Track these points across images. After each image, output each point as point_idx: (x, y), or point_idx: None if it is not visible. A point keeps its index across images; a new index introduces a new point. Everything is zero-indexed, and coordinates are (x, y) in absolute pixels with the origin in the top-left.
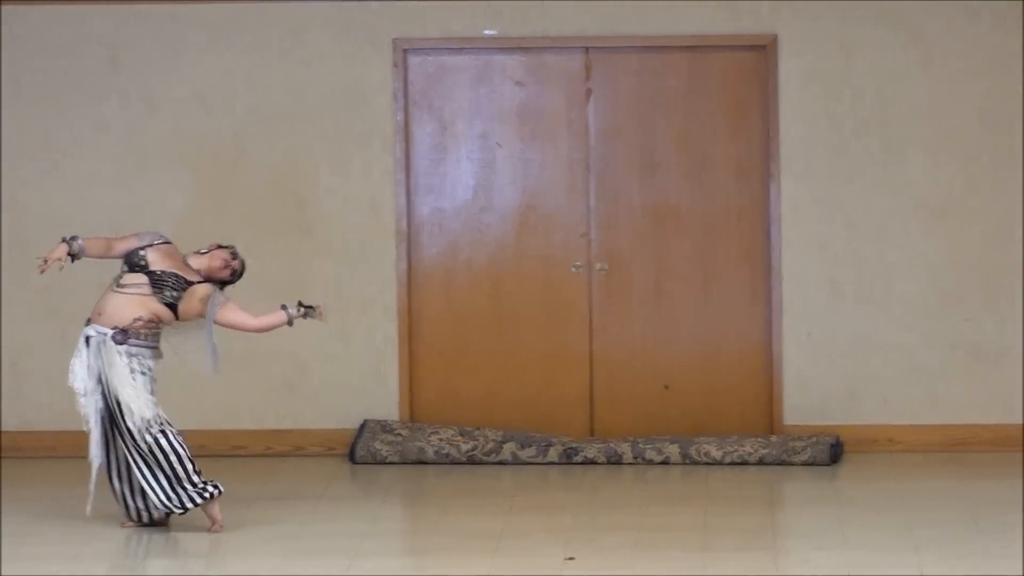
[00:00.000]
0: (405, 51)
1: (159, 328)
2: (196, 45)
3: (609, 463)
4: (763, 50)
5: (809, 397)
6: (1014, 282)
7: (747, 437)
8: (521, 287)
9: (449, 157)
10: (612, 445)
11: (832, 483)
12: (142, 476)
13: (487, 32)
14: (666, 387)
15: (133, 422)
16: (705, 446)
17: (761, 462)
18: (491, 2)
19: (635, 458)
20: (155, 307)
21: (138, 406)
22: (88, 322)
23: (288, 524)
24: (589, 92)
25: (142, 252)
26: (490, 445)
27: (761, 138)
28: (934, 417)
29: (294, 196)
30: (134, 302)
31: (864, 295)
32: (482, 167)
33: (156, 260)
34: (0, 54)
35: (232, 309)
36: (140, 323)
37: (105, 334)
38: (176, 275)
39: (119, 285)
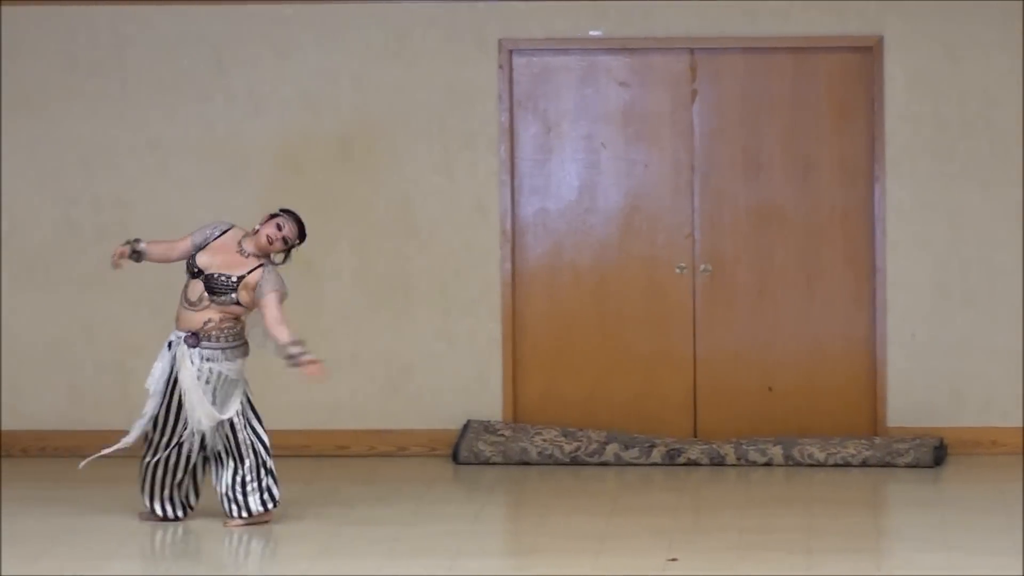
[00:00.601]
0: (510, 52)
1: (238, 325)
2: (302, 45)
3: (712, 464)
4: (869, 51)
5: (913, 399)
6: None
7: (850, 439)
8: (625, 288)
9: (554, 158)
10: (715, 446)
11: (935, 485)
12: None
13: (592, 33)
14: (769, 388)
15: (193, 426)
16: (808, 448)
17: (864, 464)
18: (597, 2)
19: (738, 459)
20: (224, 307)
21: (198, 415)
22: (193, 341)
23: (391, 524)
24: (694, 93)
25: (192, 260)
26: (593, 446)
27: (866, 139)
28: None
29: (399, 196)
30: (212, 311)
31: (968, 296)
32: (586, 168)
33: (209, 261)
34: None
35: (269, 302)
36: (212, 324)
37: (181, 337)
38: (225, 276)
39: (185, 297)
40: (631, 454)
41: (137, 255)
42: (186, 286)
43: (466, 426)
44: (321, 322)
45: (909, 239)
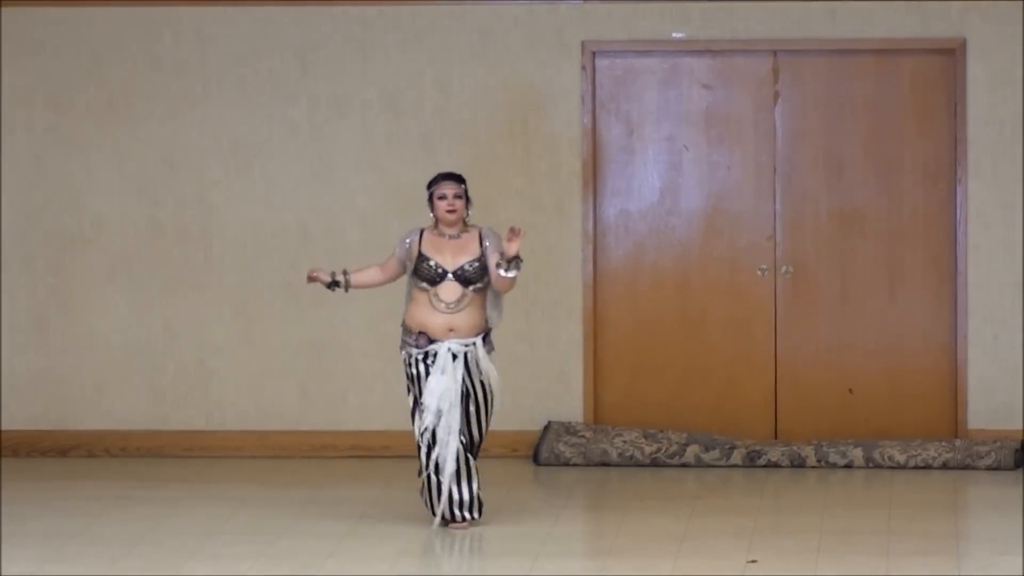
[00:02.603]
0: (593, 53)
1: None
2: (385, 47)
3: (792, 466)
4: (952, 54)
5: (994, 401)
6: None
7: (931, 441)
8: (706, 290)
9: (636, 160)
10: (796, 448)
11: (1016, 488)
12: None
13: (675, 35)
14: (850, 391)
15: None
16: (889, 450)
17: (945, 466)
18: (679, 4)
19: (818, 461)
20: (480, 292)
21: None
22: (424, 342)
23: (472, 524)
24: (777, 95)
25: (432, 263)
26: (673, 448)
27: (948, 142)
28: None
29: (481, 198)
30: (474, 306)
31: None
32: (668, 170)
33: (444, 260)
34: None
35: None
36: (481, 319)
37: (473, 344)
38: (470, 262)
39: (447, 304)
40: (711, 456)
41: (337, 286)
42: (434, 293)
43: (547, 427)
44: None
45: (990, 241)
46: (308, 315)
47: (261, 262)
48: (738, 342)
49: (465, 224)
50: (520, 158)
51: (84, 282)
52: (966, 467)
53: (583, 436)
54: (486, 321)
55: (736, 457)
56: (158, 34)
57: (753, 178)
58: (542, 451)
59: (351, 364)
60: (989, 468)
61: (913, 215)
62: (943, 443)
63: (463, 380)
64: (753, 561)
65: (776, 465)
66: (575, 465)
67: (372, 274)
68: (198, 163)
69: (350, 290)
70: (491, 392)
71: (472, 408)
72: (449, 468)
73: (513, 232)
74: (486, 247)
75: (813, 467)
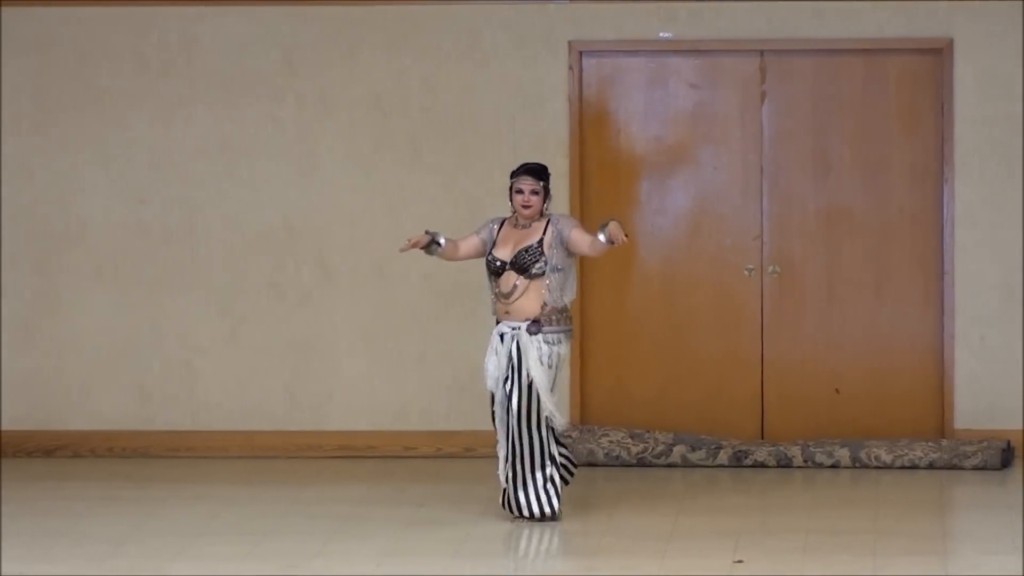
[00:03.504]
0: (580, 53)
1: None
2: (372, 46)
3: (779, 466)
4: (939, 53)
5: (980, 401)
6: None
7: (917, 441)
8: (693, 289)
9: (622, 159)
10: (782, 448)
11: (1003, 488)
12: (528, 468)
13: (662, 35)
14: (837, 390)
15: (543, 411)
16: (875, 450)
17: (931, 466)
18: (666, 4)
19: (805, 461)
20: (540, 280)
21: (545, 399)
22: (496, 322)
23: (458, 525)
24: (763, 95)
25: (493, 258)
26: (660, 447)
27: (935, 141)
28: None
29: (468, 198)
30: (529, 292)
31: None
32: (655, 169)
33: (503, 251)
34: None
35: (577, 235)
36: (549, 307)
37: (519, 327)
38: (525, 248)
39: (504, 295)
40: (698, 456)
41: (435, 246)
42: (497, 285)
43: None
44: (389, 323)
45: (977, 241)
46: (294, 315)
47: (247, 262)
48: (725, 342)
49: (541, 215)
50: (507, 158)
51: (70, 282)
52: (952, 467)
53: (569, 436)
54: (542, 308)
55: (722, 457)
56: (145, 34)
57: (740, 178)
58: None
59: (337, 364)
60: (976, 468)
61: (900, 215)
62: (930, 443)
63: (507, 364)
64: (739, 561)
65: (763, 465)
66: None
67: (455, 246)
68: (185, 163)
69: (436, 256)
70: (529, 377)
71: (515, 395)
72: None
73: (615, 223)
74: (557, 232)
75: (800, 467)
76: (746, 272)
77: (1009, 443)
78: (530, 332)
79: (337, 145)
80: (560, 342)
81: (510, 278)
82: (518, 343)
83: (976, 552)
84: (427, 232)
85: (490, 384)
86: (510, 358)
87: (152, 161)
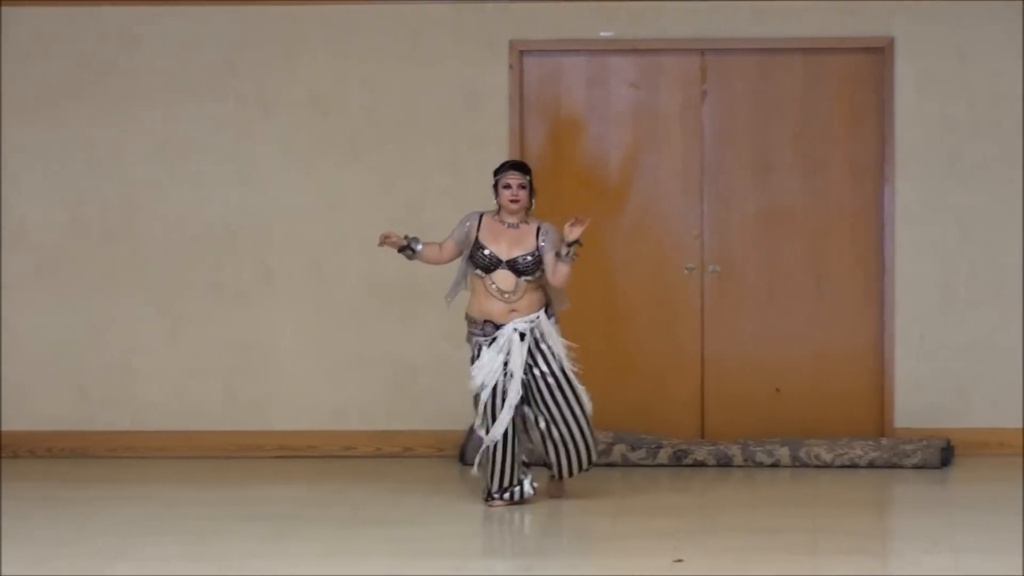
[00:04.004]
0: (521, 53)
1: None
2: (312, 46)
3: (719, 465)
4: (879, 52)
5: (920, 400)
6: None
7: (857, 440)
8: (633, 288)
9: (563, 158)
10: (722, 447)
11: (942, 486)
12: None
13: (603, 34)
14: (777, 390)
15: (578, 388)
16: (815, 449)
17: (871, 465)
18: (607, 4)
19: (745, 460)
20: (536, 280)
21: (574, 376)
22: (491, 330)
23: (397, 525)
24: (704, 94)
25: (487, 251)
26: (600, 447)
27: (876, 141)
28: None
29: (408, 197)
30: (531, 288)
31: (976, 298)
32: (595, 168)
33: (500, 248)
34: (77, 55)
35: (552, 259)
36: (549, 297)
37: (535, 318)
38: (524, 256)
39: (506, 293)
40: (638, 455)
41: (409, 251)
42: (490, 280)
43: (472, 427)
44: (329, 323)
45: (918, 240)
46: (234, 315)
47: (187, 262)
48: (665, 341)
49: (527, 215)
50: (448, 157)
51: (9, 282)
52: (892, 466)
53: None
54: (547, 297)
55: (662, 456)
56: (83, 34)
57: (680, 177)
58: (468, 451)
59: (277, 364)
60: (915, 467)
61: (840, 214)
62: (869, 442)
63: (528, 358)
64: (679, 560)
65: (703, 464)
66: None
67: (433, 251)
68: (124, 163)
69: (414, 260)
70: (560, 360)
71: (543, 385)
72: (498, 440)
73: (578, 220)
74: (542, 245)
75: (740, 466)
76: (686, 271)
77: (949, 442)
78: (549, 316)
79: (277, 145)
80: (556, 324)
81: (509, 277)
82: (536, 335)
83: (915, 551)
84: (405, 237)
85: (476, 374)
86: (531, 351)
87: (92, 161)
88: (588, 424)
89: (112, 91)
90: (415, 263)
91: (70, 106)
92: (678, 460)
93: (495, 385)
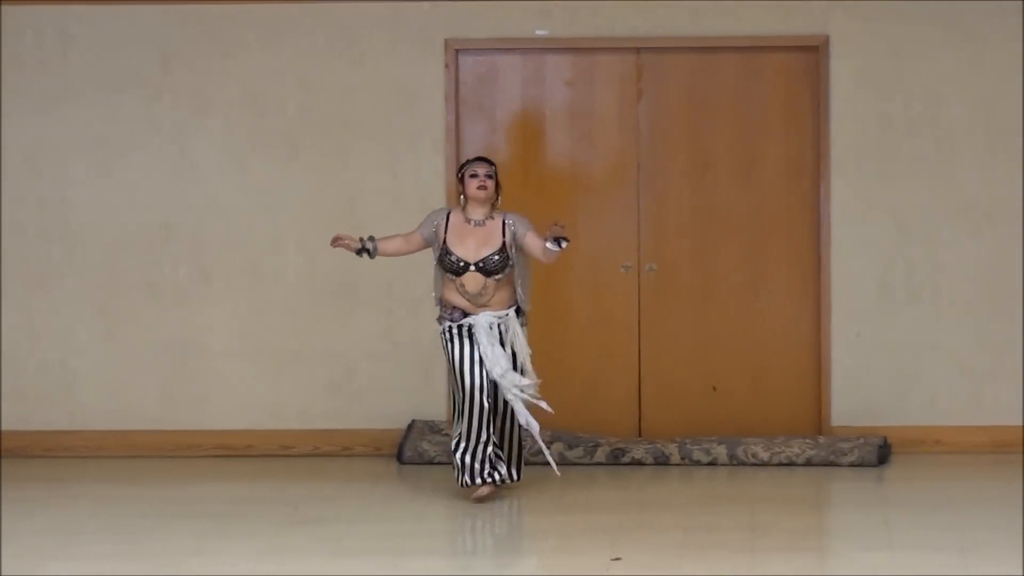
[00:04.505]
0: (456, 51)
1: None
2: (248, 45)
3: (656, 464)
4: (815, 51)
5: (857, 398)
6: None
7: (794, 438)
8: (570, 287)
9: (499, 157)
10: (659, 446)
11: (879, 484)
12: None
13: (538, 32)
14: (714, 388)
15: (526, 384)
16: (752, 447)
17: (808, 463)
18: (542, 2)
19: (682, 459)
20: (506, 276)
21: (532, 374)
22: (459, 316)
23: (336, 524)
24: (640, 93)
25: (452, 257)
26: (538, 446)
27: (812, 139)
28: (981, 418)
29: (345, 196)
30: (501, 287)
31: (913, 296)
32: (530, 167)
33: (467, 251)
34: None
35: (531, 239)
36: (519, 294)
37: (504, 314)
38: (492, 255)
39: (473, 295)
40: (575, 453)
41: (364, 253)
42: (459, 283)
43: (410, 426)
44: (266, 321)
45: (854, 238)
46: (171, 315)
47: (123, 261)
48: (601, 339)
49: (492, 209)
50: (383, 156)
51: None
52: (829, 464)
53: (447, 434)
54: (517, 295)
55: (600, 455)
56: (20, 33)
57: (616, 175)
58: (406, 449)
59: (213, 364)
60: (852, 465)
61: (776, 212)
62: (806, 440)
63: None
64: (617, 559)
65: (640, 463)
66: (439, 463)
67: (398, 244)
68: (60, 162)
69: (376, 257)
70: (521, 364)
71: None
72: (476, 427)
73: (557, 224)
74: (512, 233)
75: (677, 464)
76: (623, 269)
77: (885, 439)
78: (518, 314)
79: (213, 144)
80: (525, 324)
81: (477, 279)
82: (502, 330)
83: (852, 548)
84: (360, 239)
85: (493, 367)
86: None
87: (27, 161)
88: (519, 437)
89: (47, 90)
90: (364, 260)
91: (6, 104)
92: (615, 459)
93: (473, 379)
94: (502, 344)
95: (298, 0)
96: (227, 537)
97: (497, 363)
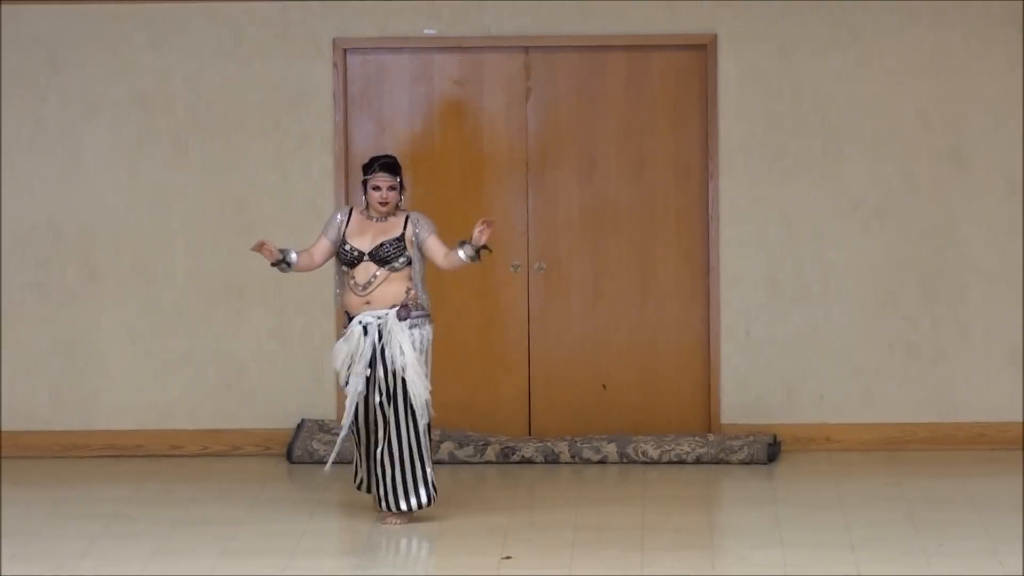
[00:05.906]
0: (345, 51)
1: (423, 291)
2: (136, 45)
3: (546, 462)
4: (703, 49)
5: (747, 396)
6: (951, 281)
7: (685, 436)
8: (459, 285)
9: None
10: (549, 444)
11: (769, 482)
12: (387, 463)
13: (426, 32)
14: (604, 386)
15: (415, 401)
16: (643, 445)
17: (698, 461)
18: (430, 2)
19: (572, 457)
20: (398, 272)
21: (419, 387)
22: (348, 316)
23: (225, 524)
24: (529, 91)
25: (349, 249)
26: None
27: (700, 137)
28: (871, 416)
29: (233, 196)
30: (389, 282)
31: (802, 294)
32: (416, 166)
33: (363, 241)
34: None
35: (433, 243)
36: (414, 292)
37: (385, 315)
38: (388, 241)
39: (360, 286)
40: (465, 452)
41: (285, 265)
42: (351, 275)
43: (300, 425)
44: (154, 321)
45: (742, 237)
46: (59, 314)
47: (11, 261)
48: (491, 338)
49: (397, 209)
50: (272, 156)
51: None
52: (719, 461)
53: (336, 433)
54: (407, 294)
55: (490, 453)
56: None
57: (506, 174)
58: (295, 449)
59: (103, 363)
60: (742, 462)
61: (665, 211)
62: (696, 438)
63: (374, 353)
64: (508, 558)
65: (530, 461)
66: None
67: (306, 259)
68: None
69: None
70: (402, 369)
71: (376, 392)
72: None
73: (486, 224)
74: (414, 231)
75: (567, 463)
76: (512, 268)
77: (775, 437)
78: (400, 317)
79: (101, 144)
80: (424, 325)
81: (368, 269)
82: (381, 331)
83: (743, 546)
84: (280, 250)
85: (336, 364)
86: (374, 348)
87: None
88: (420, 451)
89: None
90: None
91: None
92: (506, 457)
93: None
94: (381, 349)
95: (186, 0)
96: (116, 538)
97: (343, 364)
